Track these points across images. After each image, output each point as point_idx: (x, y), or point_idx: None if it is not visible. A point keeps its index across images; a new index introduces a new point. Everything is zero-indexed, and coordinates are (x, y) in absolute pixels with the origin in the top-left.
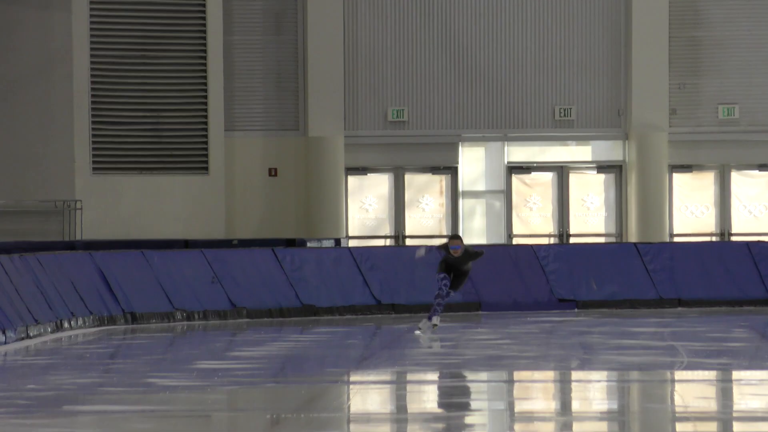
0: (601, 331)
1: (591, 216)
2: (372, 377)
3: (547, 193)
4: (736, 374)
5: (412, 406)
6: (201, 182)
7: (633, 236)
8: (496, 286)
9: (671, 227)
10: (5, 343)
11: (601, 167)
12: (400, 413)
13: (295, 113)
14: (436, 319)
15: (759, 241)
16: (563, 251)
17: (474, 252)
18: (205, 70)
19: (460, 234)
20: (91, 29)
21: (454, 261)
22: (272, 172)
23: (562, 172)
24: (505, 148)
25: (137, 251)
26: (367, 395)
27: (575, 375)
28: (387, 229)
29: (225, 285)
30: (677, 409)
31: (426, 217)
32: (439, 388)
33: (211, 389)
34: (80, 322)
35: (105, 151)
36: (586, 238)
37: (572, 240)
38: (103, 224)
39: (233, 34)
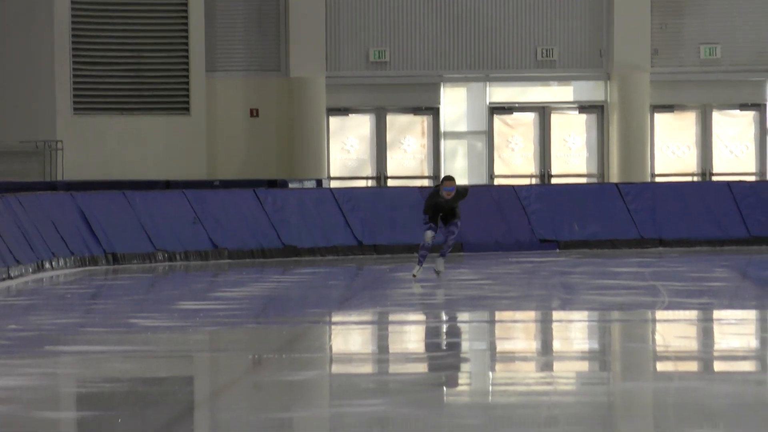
0: (582, 272)
1: (572, 156)
2: (353, 318)
3: (529, 134)
4: (716, 314)
5: (394, 347)
6: (182, 123)
7: (614, 176)
8: (477, 226)
9: (653, 167)
10: None
11: (583, 107)
12: (381, 353)
13: (277, 54)
14: (417, 270)
15: (740, 181)
16: (545, 192)
17: (464, 189)
18: (186, 10)
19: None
20: None
21: (445, 203)
22: (254, 113)
23: (543, 112)
24: (487, 88)
25: (118, 192)
26: (349, 336)
27: (556, 315)
28: (368, 170)
29: (206, 226)
30: (658, 349)
31: (408, 158)
32: (421, 328)
33: (193, 330)
34: (61, 262)
35: (86, 91)
36: (567, 179)
37: (554, 180)
38: (85, 165)
39: None
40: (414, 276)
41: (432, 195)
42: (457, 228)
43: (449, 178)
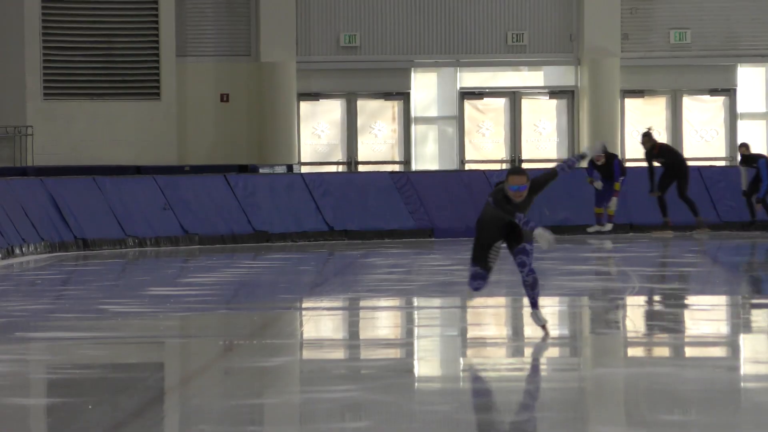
0: (553, 257)
1: (543, 141)
2: (325, 303)
3: (500, 119)
4: (688, 299)
5: (365, 333)
6: (153, 108)
7: (585, 162)
8: (448, 212)
9: (623, 152)
10: None
11: (554, 92)
12: (352, 339)
13: (247, 38)
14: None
15: (710, 166)
16: None
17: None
18: None
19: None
20: None
21: (509, 210)
22: (224, 98)
23: (514, 97)
24: (458, 73)
25: (89, 177)
26: (320, 321)
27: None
28: (339, 155)
29: (177, 211)
30: (629, 335)
31: (378, 142)
32: (392, 314)
33: (164, 316)
34: (31, 248)
35: (56, 76)
36: (538, 164)
37: (524, 165)
38: (55, 150)
39: None
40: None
41: (499, 195)
42: (527, 256)
43: (516, 171)
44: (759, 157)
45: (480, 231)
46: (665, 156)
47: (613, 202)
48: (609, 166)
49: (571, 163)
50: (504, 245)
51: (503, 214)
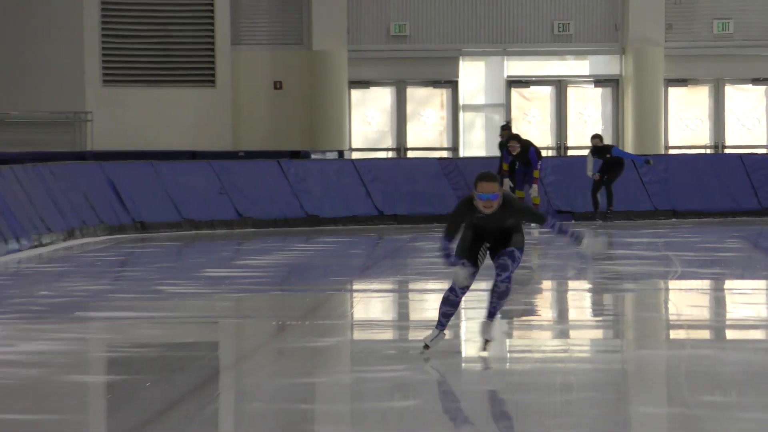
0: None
1: (588, 129)
2: (374, 286)
3: (546, 107)
4: (728, 283)
5: (413, 314)
6: (208, 95)
7: (629, 149)
8: None
9: (666, 140)
10: (19, 250)
11: (599, 81)
12: (401, 321)
13: (300, 27)
14: (431, 337)
15: (751, 153)
16: (560, 164)
17: (524, 209)
18: None
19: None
20: None
21: (486, 220)
22: (277, 86)
23: (560, 86)
24: (505, 62)
25: (146, 162)
26: (370, 303)
27: (572, 284)
28: (389, 142)
29: (232, 196)
30: (671, 318)
31: (427, 129)
32: (439, 297)
33: (219, 296)
34: (91, 230)
35: (115, 63)
36: (583, 151)
37: (569, 153)
38: (113, 135)
39: None
40: (426, 347)
41: (462, 205)
42: (513, 261)
43: (485, 177)
44: (611, 147)
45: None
46: (522, 144)
47: (534, 189)
48: (525, 153)
49: (564, 230)
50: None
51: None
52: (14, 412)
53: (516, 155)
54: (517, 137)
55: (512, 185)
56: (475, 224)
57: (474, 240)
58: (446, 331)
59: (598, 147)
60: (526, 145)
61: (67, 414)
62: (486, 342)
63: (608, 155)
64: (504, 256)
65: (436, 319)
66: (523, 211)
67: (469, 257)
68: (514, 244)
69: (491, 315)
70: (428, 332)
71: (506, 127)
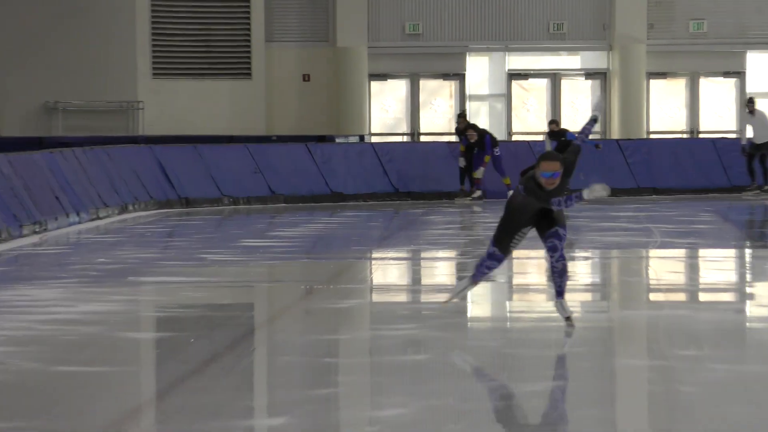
0: (586, 216)
1: (579, 117)
2: (391, 254)
3: (542, 97)
4: (702, 252)
5: (425, 279)
6: (245, 86)
7: (616, 134)
8: (497, 176)
9: (648, 126)
10: (79, 223)
11: (589, 74)
12: (414, 285)
13: (326, 26)
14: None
15: (722, 138)
16: (555, 146)
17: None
18: None
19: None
20: None
21: (541, 197)
22: (306, 78)
23: (554, 78)
24: (506, 57)
25: (190, 145)
26: (387, 269)
27: (565, 253)
28: (404, 127)
29: (265, 175)
30: (651, 282)
31: (437, 117)
32: (448, 264)
33: (254, 263)
34: (142, 205)
35: (163, 58)
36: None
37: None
38: (161, 122)
39: None
40: (445, 303)
41: (528, 180)
42: (560, 240)
43: (550, 157)
44: (566, 131)
45: (508, 216)
46: (479, 133)
47: (480, 171)
48: (481, 140)
49: (587, 132)
50: (530, 229)
51: (536, 202)
52: (77, 364)
53: (473, 142)
54: (474, 126)
55: (465, 165)
56: (525, 204)
57: (516, 227)
58: (476, 284)
59: (554, 131)
60: (482, 134)
61: (121, 366)
62: (567, 319)
63: (563, 138)
64: (551, 237)
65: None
66: (572, 167)
67: (504, 247)
68: (558, 222)
69: (560, 294)
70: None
71: (462, 115)
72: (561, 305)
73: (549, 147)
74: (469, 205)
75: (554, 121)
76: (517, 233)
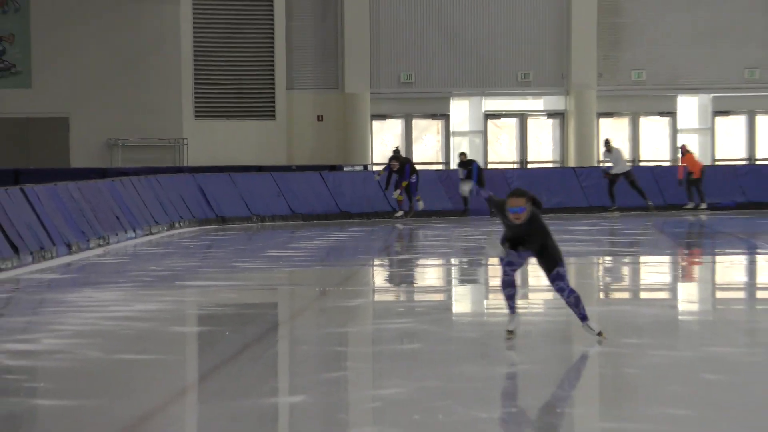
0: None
1: (542, 148)
2: (389, 262)
3: (512, 133)
4: (642, 258)
5: (418, 282)
6: (269, 125)
7: (572, 162)
8: (477, 198)
9: (598, 156)
10: (135, 237)
11: (550, 114)
12: (408, 287)
13: (336, 76)
14: (511, 323)
15: (658, 166)
16: (523, 173)
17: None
18: (272, 46)
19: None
20: (194, 17)
21: (517, 229)
22: (319, 118)
23: (522, 118)
24: (483, 101)
25: (225, 173)
26: (386, 275)
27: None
28: None
29: (286, 197)
30: (601, 283)
31: (427, 149)
32: (436, 269)
33: (277, 270)
34: (186, 223)
35: (203, 103)
36: (539, 164)
37: (529, 165)
38: (202, 155)
39: (292, 20)
40: (510, 332)
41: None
42: (563, 280)
43: (514, 193)
44: (473, 161)
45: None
46: (400, 162)
47: (396, 193)
48: (402, 169)
49: (477, 189)
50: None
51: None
52: (132, 353)
53: (395, 170)
54: (397, 158)
55: (385, 186)
56: (510, 228)
57: (512, 239)
58: (518, 311)
59: (463, 161)
60: (403, 163)
61: (169, 354)
62: (599, 334)
63: (469, 167)
64: (555, 281)
65: (506, 306)
66: (536, 232)
67: (511, 246)
68: (554, 261)
69: (583, 319)
70: (505, 318)
71: (397, 151)
72: (588, 327)
73: (461, 175)
74: (454, 222)
75: (463, 153)
76: (511, 248)
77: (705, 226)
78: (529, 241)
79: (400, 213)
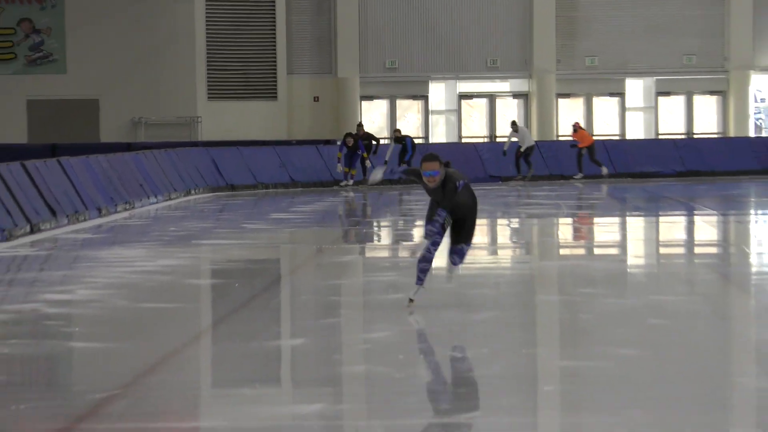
0: (514, 195)
1: (509, 125)
2: (377, 224)
3: (483, 112)
4: (596, 219)
5: (402, 240)
6: (272, 105)
7: (535, 137)
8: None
9: (557, 131)
10: (156, 203)
11: (515, 95)
12: (394, 244)
13: (330, 63)
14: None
15: (609, 139)
16: (492, 147)
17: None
18: (274, 36)
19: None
20: (206, 12)
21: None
22: (316, 99)
23: (491, 99)
24: (457, 84)
25: (234, 147)
26: (375, 233)
27: (499, 221)
28: (385, 134)
29: (287, 168)
30: (560, 241)
31: (410, 125)
32: (418, 229)
33: (280, 230)
34: (200, 190)
35: (215, 85)
36: (505, 139)
37: (498, 140)
38: (214, 131)
39: (291, 15)
40: (411, 301)
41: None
42: (461, 258)
43: (427, 158)
44: (407, 137)
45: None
46: (354, 139)
47: (339, 166)
48: (356, 145)
49: (400, 171)
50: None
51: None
52: (155, 302)
53: (350, 146)
54: (353, 135)
55: (347, 168)
56: (429, 192)
57: (432, 207)
58: (425, 285)
59: (397, 137)
60: (356, 139)
61: (188, 303)
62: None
63: (403, 142)
64: (455, 254)
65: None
66: (449, 191)
67: (430, 218)
68: (465, 238)
69: (453, 265)
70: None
71: (360, 125)
72: (450, 270)
73: (392, 149)
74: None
75: (398, 130)
76: (435, 208)
77: (625, 191)
78: (445, 199)
79: (351, 182)
